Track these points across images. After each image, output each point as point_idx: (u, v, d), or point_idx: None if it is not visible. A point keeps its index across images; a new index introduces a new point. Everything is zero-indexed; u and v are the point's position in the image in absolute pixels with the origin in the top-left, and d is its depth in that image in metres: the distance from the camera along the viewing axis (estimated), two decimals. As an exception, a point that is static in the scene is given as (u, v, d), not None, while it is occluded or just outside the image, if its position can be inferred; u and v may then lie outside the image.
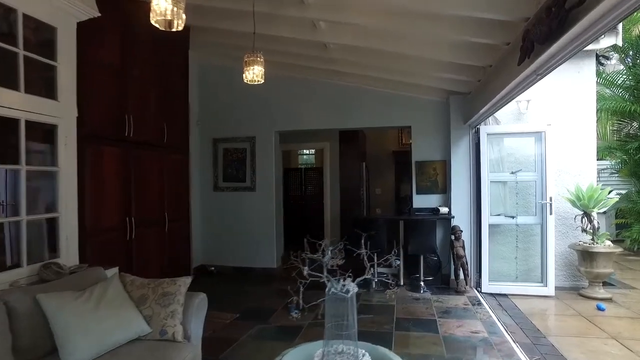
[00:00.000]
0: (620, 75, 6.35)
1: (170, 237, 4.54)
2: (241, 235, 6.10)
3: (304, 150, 9.55)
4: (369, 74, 5.15)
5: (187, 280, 2.63)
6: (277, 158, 6.18)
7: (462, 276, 4.94)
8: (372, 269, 2.35)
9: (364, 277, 1.86)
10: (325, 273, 1.81)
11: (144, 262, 4.04)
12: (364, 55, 4.52)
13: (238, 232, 6.11)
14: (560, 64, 2.47)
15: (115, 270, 3.02)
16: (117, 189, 3.74)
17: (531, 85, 2.99)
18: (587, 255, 4.53)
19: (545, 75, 2.70)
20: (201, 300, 2.69)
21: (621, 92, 6.34)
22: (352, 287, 1.49)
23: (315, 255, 1.86)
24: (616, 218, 7.00)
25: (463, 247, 4.94)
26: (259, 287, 5.31)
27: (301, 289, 1.74)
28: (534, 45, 2.46)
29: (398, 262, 2.37)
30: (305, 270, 1.70)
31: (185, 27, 4.98)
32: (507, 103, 3.73)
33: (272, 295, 4.90)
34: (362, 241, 2.07)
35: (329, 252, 1.85)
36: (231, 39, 4.90)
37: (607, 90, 6.48)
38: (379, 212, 8.63)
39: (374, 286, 2.05)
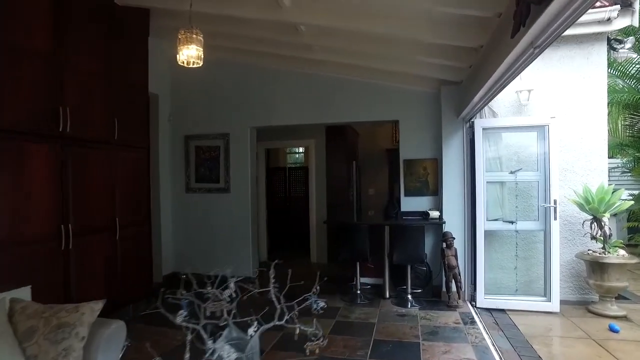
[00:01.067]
0: (634, 65, 5.74)
1: (124, 246, 4.03)
2: (215, 241, 5.59)
3: (294, 149, 9.02)
4: (349, 62, 4.61)
5: (95, 307, 2.12)
6: (253, 156, 5.65)
7: (454, 288, 4.38)
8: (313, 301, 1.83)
9: (272, 323, 1.33)
10: (225, 315, 1.29)
11: (85, 276, 3.52)
12: (340, 39, 3.97)
13: (211, 237, 5.61)
14: (562, 31, 1.92)
15: (25, 290, 2.51)
16: (49, 192, 3.22)
17: (529, 63, 2.43)
18: (597, 267, 3.95)
19: (544, 49, 2.14)
20: (114, 330, 2.17)
21: (634, 83, 5.73)
22: (228, 353, 0.95)
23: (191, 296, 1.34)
24: (628, 221, 6.39)
25: (455, 256, 4.38)
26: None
27: (188, 337, 1.20)
28: (530, 8, 1.90)
29: (322, 305, 1.83)
30: (180, 317, 1.17)
31: (142, 10, 4.51)
32: (502, 88, 3.17)
33: (239, 309, 4.37)
34: (270, 273, 1.54)
35: (228, 290, 1.33)
36: (196, 23, 4.38)
37: (619, 82, 5.87)
38: (371, 214, 8.07)
39: (297, 331, 1.50)
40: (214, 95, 5.60)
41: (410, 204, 4.90)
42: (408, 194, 4.91)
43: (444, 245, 4.41)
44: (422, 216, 4.69)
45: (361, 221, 5.05)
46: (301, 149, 8.92)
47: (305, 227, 6.94)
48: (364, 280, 5.00)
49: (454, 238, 4.39)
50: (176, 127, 5.72)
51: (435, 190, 4.82)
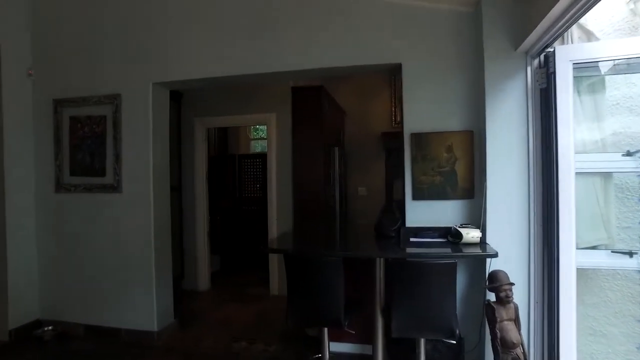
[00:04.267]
0: None
1: None
2: (100, 272, 3.41)
3: (260, 130, 6.81)
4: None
5: None
6: (161, 132, 3.45)
7: (512, 381, 2.20)
8: None
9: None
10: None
11: None
12: None
13: (95, 267, 3.42)
14: None
15: None
16: None
17: None
18: None
19: None
20: None
21: None
22: None
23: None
24: None
25: (517, 321, 2.20)
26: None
27: None
28: None
29: None
30: None
31: None
32: None
33: None
34: None
35: None
36: None
37: None
38: (363, 224, 5.91)
39: None
40: (97, 37, 3.40)
41: (422, 213, 2.72)
42: (419, 195, 2.72)
43: (494, 299, 2.23)
44: (447, 238, 2.51)
45: (332, 250, 2.84)
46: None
47: (265, 242, 4.77)
48: (339, 347, 2.84)
49: (513, 284, 2.20)
50: (41, 86, 3.53)
51: (470, 190, 2.64)
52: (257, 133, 6.80)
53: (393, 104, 6.12)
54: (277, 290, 4.56)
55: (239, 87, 4.58)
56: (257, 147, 6.91)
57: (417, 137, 2.71)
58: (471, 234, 2.36)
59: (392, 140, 6.03)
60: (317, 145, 4.62)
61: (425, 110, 2.73)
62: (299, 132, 4.59)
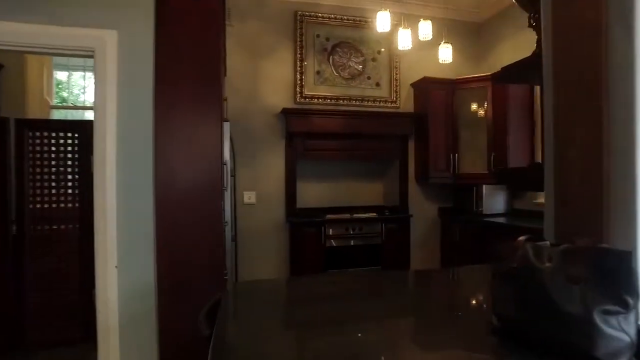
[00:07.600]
0: None
1: None
2: None
3: (71, 90, 3.86)
4: None
5: None
6: None
7: None
8: None
9: None
10: None
11: None
12: None
13: None
14: None
15: None
16: None
17: None
18: None
19: None
20: None
21: None
22: None
23: None
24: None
25: None
26: None
27: None
28: None
29: None
30: None
31: None
32: None
33: None
34: None
35: None
36: None
37: None
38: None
39: None
40: None
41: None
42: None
43: None
44: None
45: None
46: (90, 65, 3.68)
47: (86, 309, 2.18)
48: None
49: None
50: None
51: None
52: (65, 93, 3.80)
53: (298, 68, 4.21)
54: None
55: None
56: (66, 116, 3.92)
57: None
58: None
59: (298, 119, 4.12)
60: (210, 110, 2.34)
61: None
62: (173, 76, 2.22)
